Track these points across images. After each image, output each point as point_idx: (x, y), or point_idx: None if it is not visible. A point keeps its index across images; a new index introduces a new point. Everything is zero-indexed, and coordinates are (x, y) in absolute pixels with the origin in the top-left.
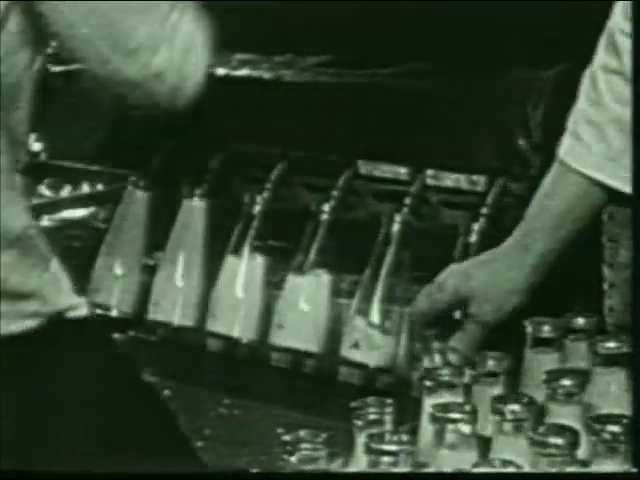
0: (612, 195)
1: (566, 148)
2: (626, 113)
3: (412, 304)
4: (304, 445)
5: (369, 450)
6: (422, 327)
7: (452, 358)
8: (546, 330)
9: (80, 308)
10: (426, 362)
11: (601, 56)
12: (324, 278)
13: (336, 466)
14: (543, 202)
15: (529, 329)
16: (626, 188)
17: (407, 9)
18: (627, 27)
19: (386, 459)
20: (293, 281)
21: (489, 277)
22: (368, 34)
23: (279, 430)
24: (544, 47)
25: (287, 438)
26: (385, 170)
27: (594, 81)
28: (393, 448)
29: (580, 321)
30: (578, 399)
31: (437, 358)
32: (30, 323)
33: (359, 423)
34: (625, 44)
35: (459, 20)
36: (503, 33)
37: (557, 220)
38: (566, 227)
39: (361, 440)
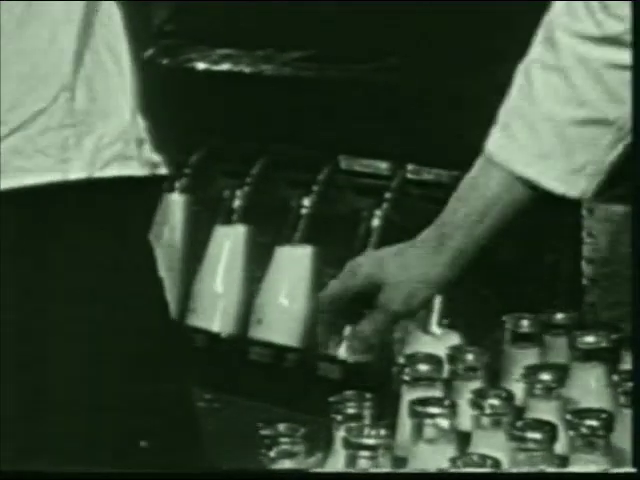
0: (541, 194)
1: (494, 141)
2: (560, 111)
3: (323, 289)
4: (283, 439)
5: (348, 444)
6: (331, 314)
7: (354, 343)
8: (525, 325)
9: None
10: (331, 348)
11: (537, 50)
12: (308, 250)
13: (315, 460)
14: (464, 195)
15: (508, 324)
16: (558, 187)
17: (388, 5)
18: (569, 23)
19: (364, 453)
20: (280, 252)
21: (401, 266)
22: (349, 29)
23: (258, 424)
24: (522, 43)
25: (266, 432)
26: (366, 165)
27: (528, 76)
28: (372, 442)
29: (559, 316)
30: (557, 394)
31: (343, 345)
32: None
33: (338, 417)
34: (564, 40)
35: (439, 17)
36: (481, 30)
37: (475, 215)
38: (484, 223)
39: (340, 434)
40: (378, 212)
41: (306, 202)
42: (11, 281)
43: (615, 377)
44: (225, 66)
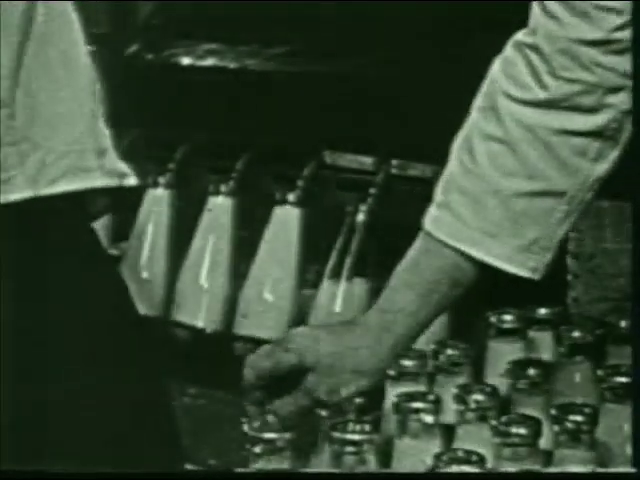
0: (488, 269)
1: (434, 219)
2: (507, 183)
3: (248, 360)
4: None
5: (332, 440)
6: (260, 391)
7: (271, 419)
8: (510, 320)
9: None
10: (247, 426)
11: (478, 119)
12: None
13: (299, 456)
14: (406, 278)
15: (493, 319)
16: (509, 268)
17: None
18: (512, 90)
19: (349, 449)
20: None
21: (337, 352)
22: (333, 24)
23: (243, 420)
24: (510, 37)
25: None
26: (350, 160)
27: (470, 147)
28: (356, 437)
29: (544, 311)
30: (542, 389)
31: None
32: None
33: (322, 413)
34: (507, 108)
35: (425, 10)
36: (469, 24)
37: (420, 299)
38: (430, 305)
39: (325, 430)
40: (363, 207)
41: (291, 197)
42: None
43: (600, 372)
44: (210, 61)
